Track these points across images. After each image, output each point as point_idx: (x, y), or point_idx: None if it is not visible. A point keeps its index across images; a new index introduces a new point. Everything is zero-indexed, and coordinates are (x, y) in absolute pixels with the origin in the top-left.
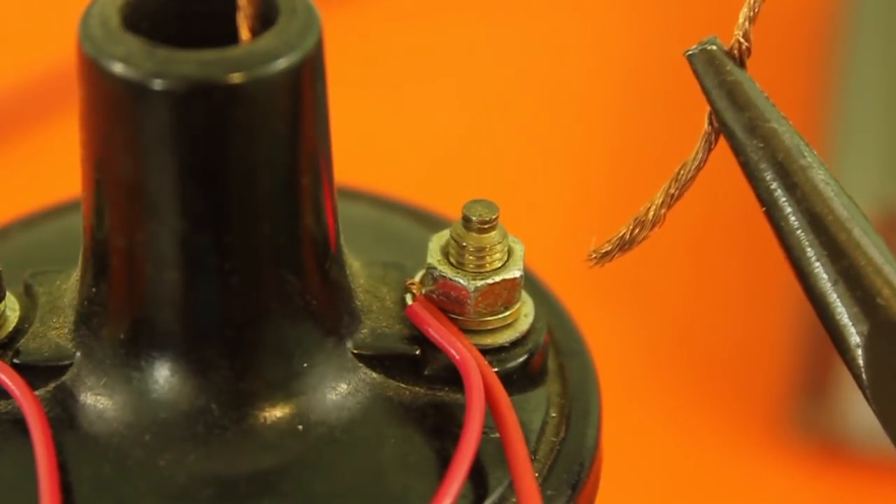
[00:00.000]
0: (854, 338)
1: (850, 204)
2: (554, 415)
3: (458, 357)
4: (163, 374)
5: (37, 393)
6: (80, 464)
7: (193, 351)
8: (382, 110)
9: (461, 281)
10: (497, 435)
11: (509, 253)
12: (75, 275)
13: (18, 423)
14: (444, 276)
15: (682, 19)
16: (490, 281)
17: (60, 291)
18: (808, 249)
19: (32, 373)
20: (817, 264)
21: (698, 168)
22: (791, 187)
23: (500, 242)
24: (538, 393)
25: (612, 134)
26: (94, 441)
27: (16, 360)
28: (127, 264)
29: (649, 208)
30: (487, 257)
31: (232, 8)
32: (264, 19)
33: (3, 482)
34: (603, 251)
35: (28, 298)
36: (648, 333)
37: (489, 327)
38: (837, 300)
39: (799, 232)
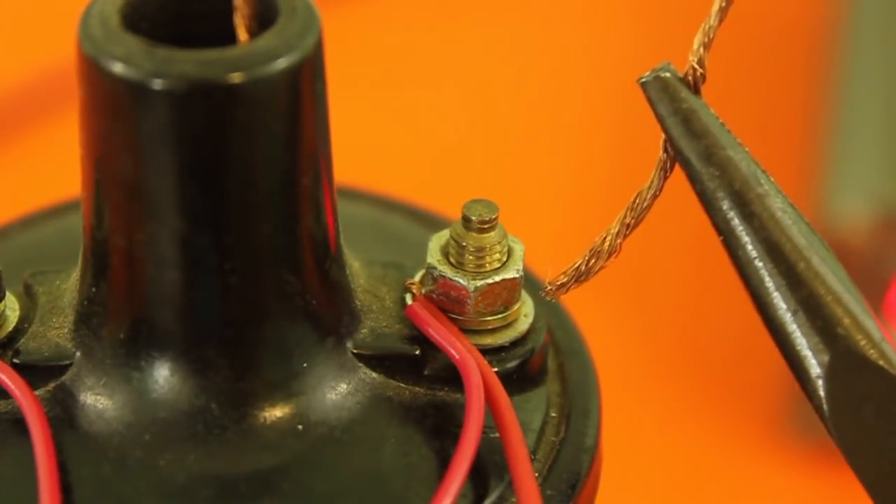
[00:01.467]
0: (815, 368)
1: (808, 231)
2: (554, 415)
3: (457, 357)
4: (162, 374)
5: (37, 393)
6: (80, 464)
7: (193, 351)
8: (382, 110)
9: (461, 281)
10: (497, 435)
11: (509, 253)
12: (75, 275)
13: (18, 423)
14: (444, 276)
15: (682, 20)
16: (490, 281)
17: (60, 291)
18: (767, 279)
19: (32, 373)
20: (776, 294)
21: (654, 196)
22: (748, 216)
23: (499, 242)
24: (538, 393)
25: (612, 134)
26: (93, 441)
27: (16, 360)
28: (127, 264)
29: (605, 238)
30: (487, 257)
31: (231, 8)
32: (264, 19)
33: (3, 482)
34: (559, 283)
35: (28, 298)
36: (648, 333)
37: (489, 327)
38: (797, 330)
39: (757, 261)
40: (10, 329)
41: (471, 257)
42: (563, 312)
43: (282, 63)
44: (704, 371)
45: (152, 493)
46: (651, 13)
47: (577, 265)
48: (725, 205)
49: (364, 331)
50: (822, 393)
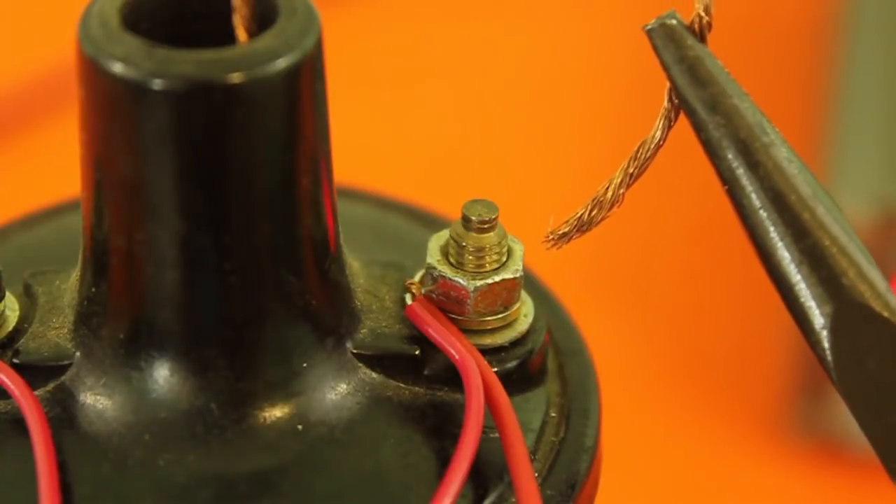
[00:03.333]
0: (818, 319)
1: (813, 181)
2: (553, 414)
3: (457, 357)
4: (162, 374)
5: (36, 393)
6: (79, 463)
7: (193, 351)
8: (382, 110)
9: (461, 281)
10: (497, 435)
11: (509, 253)
12: (75, 275)
13: (18, 423)
14: (444, 276)
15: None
16: (489, 281)
17: (60, 291)
18: (771, 229)
19: (32, 373)
20: (780, 244)
21: (657, 146)
22: (753, 165)
23: (499, 242)
24: (538, 393)
25: (612, 133)
26: (93, 441)
27: (15, 360)
28: (126, 264)
29: (608, 188)
30: (487, 257)
31: (231, 8)
32: (264, 19)
33: (3, 482)
34: (560, 232)
35: (27, 298)
36: (648, 333)
37: (489, 327)
38: (801, 281)
39: (761, 211)
40: (9, 329)
41: (470, 257)
42: (563, 312)
43: (281, 63)
44: (704, 371)
45: (152, 493)
46: (651, 13)
47: (579, 214)
48: (730, 154)
49: (364, 331)
50: (826, 344)
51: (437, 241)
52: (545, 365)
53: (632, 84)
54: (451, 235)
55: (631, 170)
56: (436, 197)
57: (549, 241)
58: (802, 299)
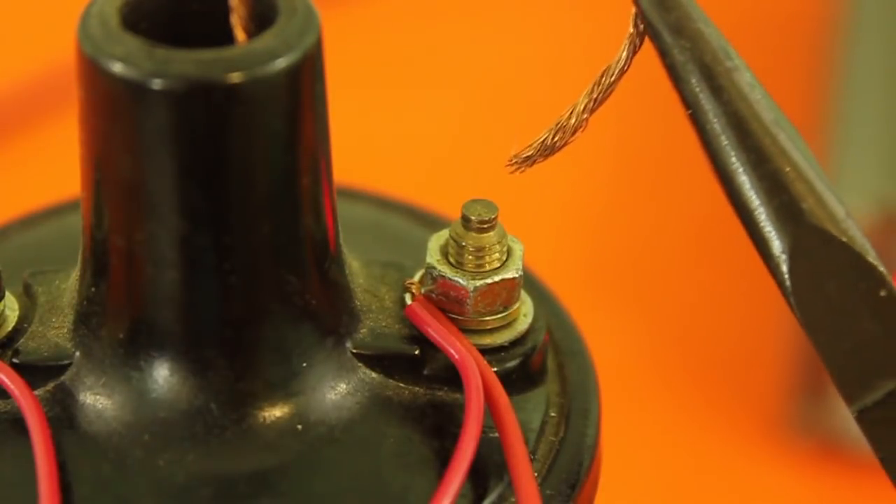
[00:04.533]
0: (777, 244)
1: (776, 108)
2: (553, 414)
3: (457, 357)
4: (162, 374)
5: (36, 393)
6: (79, 463)
7: (192, 351)
8: (382, 110)
9: (460, 280)
10: (496, 434)
11: (508, 253)
12: (74, 274)
13: (18, 423)
14: (444, 276)
15: None
16: (489, 281)
17: (59, 291)
18: (732, 154)
19: (32, 372)
20: (741, 169)
21: (621, 72)
22: (717, 90)
23: (499, 242)
24: (537, 392)
25: (612, 133)
26: (93, 441)
27: (15, 360)
28: (126, 264)
29: (571, 113)
30: (486, 257)
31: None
32: (264, 19)
33: (3, 482)
34: (524, 155)
35: (27, 298)
36: (648, 333)
37: (488, 327)
38: (761, 206)
39: (723, 137)
40: (9, 329)
41: (470, 257)
42: (563, 312)
43: (281, 63)
44: (705, 371)
45: (152, 493)
46: None
47: (542, 139)
48: (694, 78)
49: (363, 331)
50: (784, 268)
51: (436, 240)
52: (545, 365)
53: (632, 84)
54: (450, 235)
55: (595, 94)
56: (436, 197)
57: (513, 164)
58: (762, 224)
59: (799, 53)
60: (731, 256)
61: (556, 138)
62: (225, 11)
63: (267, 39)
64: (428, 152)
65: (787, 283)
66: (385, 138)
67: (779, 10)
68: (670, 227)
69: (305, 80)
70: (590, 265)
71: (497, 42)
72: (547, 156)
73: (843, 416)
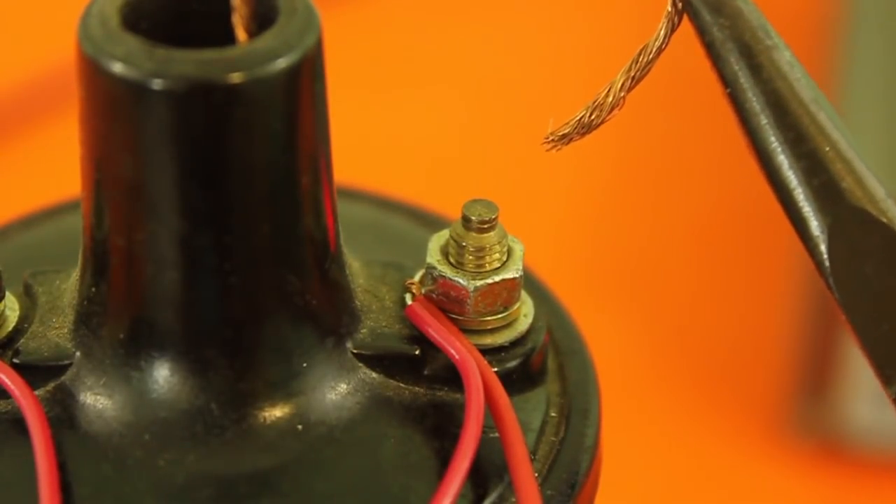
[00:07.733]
0: (816, 224)
1: (815, 87)
2: (553, 414)
3: (457, 357)
4: (162, 374)
5: (36, 393)
6: (79, 463)
7: (193, 351)
8: (382, 110)
9: (461, 281)
10: (497, 434)
11: (509, 253)
12: (75, 274)
13: (18, 423)
14: (444, 276)
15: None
16: (489, 281)
17: (60, 291)
18: (771, 133)
19: (32, 373)
20: (780, 148)
21: (660, 50)
22: (756, 68)
23: (499, 242)
24: (538, 392)
25: (612, 133)
26: (93, 441)
27: (15, 360)
28: (126, 264)
29: (609, 90)
30: (487, 257)
31: (231, 8)
32: (264, 19)
33: (3, 482)
34: (561, 133)
35: (28, 298)
36: (648, 333)
37: (489, 327)
38: (799, 186)
39: (762, 115)
40: (9, 329)
41: (470, 257)
42: (564, 312)
43: (281, 63)
44: (705, 371)
45: (152, 493)
46: (652, 14)
47: (579, 117)
48: (733, 56)
49: (364, 331)
50: (823, 249)
51: (437, 240)
52: (545, 365)
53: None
54: (451, 235)
55: (633, 73)
56: (436, 197)
57: (550, 141)
58: (801, 204)
59: (799, 53)
60: (731, 257)
61: (593, 116)
62: (225, 11)
63: (267, 39)
64: (428, 152)
65: (826, 263)
66: (385, 138)
67: (779, 10)
68: (670, 228)
69: (305, 81)
70: (590, 265)
71: (498, 42)
72: (583, 134)
73: (843, 416)
